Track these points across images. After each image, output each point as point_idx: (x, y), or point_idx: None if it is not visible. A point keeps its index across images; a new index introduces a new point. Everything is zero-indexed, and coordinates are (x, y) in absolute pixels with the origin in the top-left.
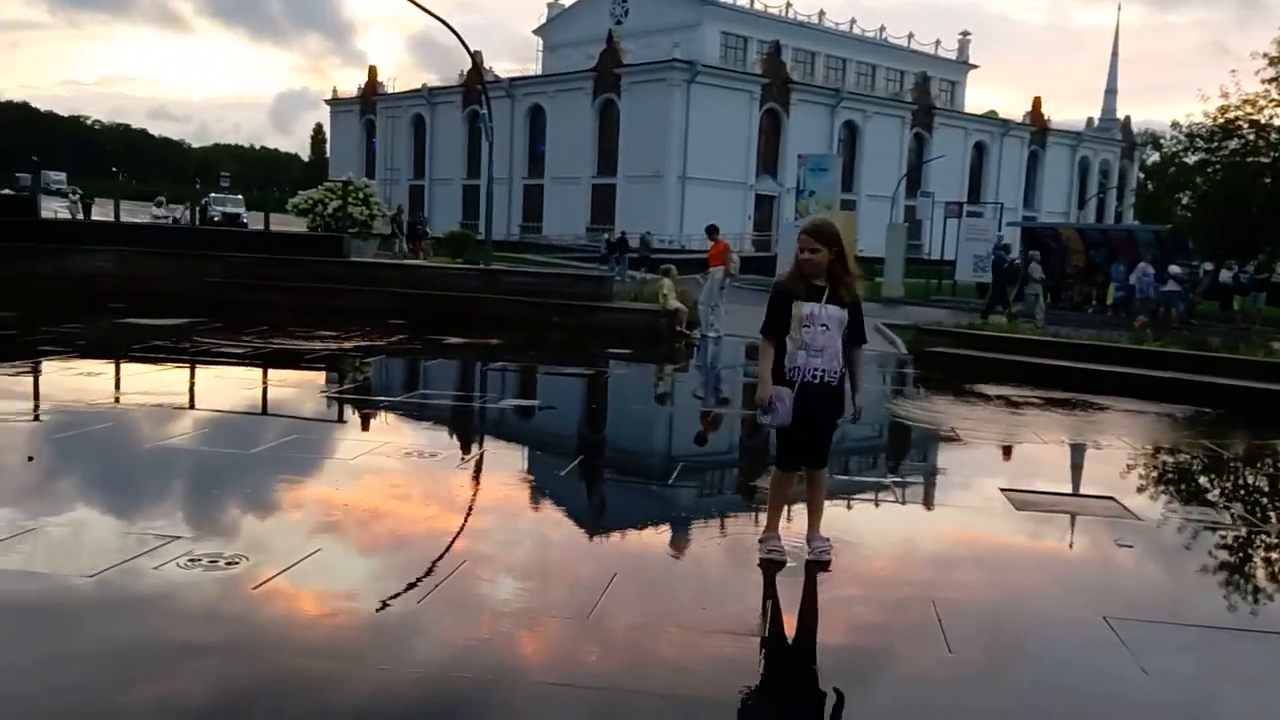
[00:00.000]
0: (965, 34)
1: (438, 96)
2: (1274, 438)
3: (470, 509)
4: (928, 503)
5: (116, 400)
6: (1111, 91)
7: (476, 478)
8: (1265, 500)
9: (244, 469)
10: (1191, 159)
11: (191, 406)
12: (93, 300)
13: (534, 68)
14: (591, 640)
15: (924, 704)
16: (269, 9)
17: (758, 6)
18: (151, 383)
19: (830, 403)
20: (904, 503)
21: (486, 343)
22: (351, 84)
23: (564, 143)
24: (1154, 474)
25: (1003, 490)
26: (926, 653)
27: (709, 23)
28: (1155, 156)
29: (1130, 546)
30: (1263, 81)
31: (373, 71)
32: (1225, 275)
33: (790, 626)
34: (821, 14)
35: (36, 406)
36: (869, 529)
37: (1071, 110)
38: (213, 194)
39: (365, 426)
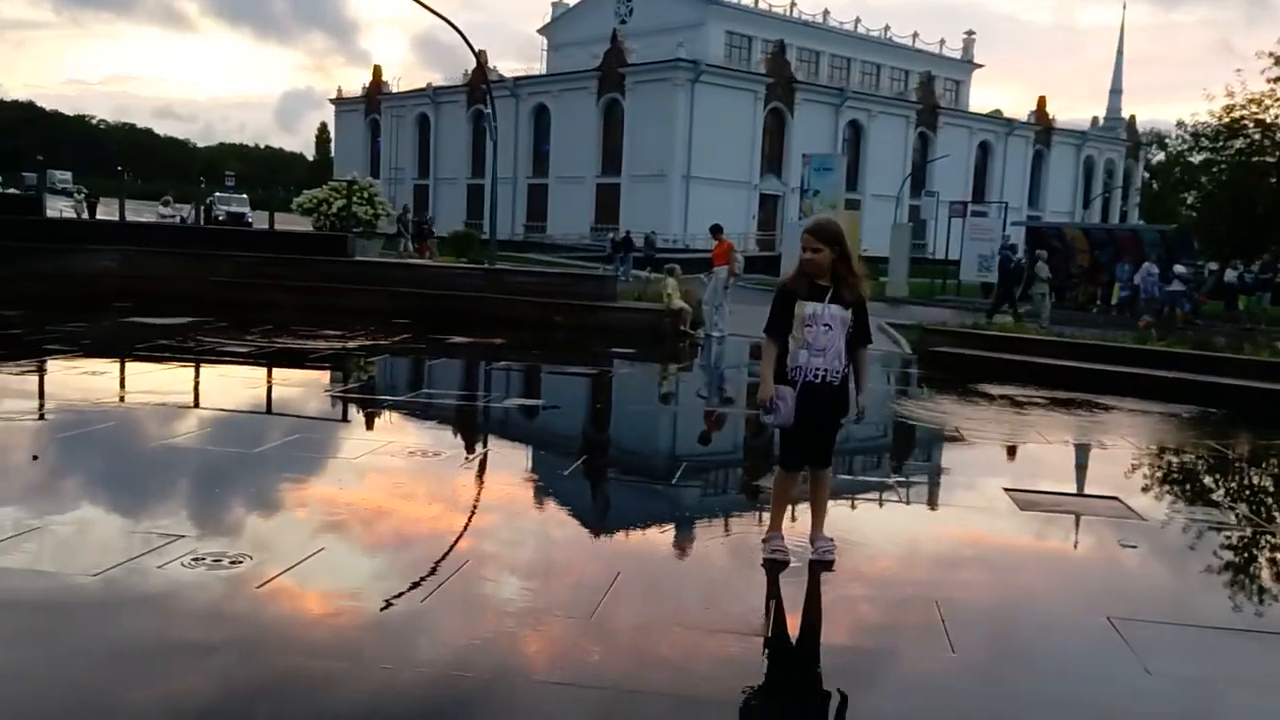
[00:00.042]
0: (970, 33)
1: (442, 96)
2: (1279, 438)
3: (474, 508)
4: (931, 503)
5: (121, 399)
6: (1117, 91)
7: (480, 477)
8: (1270, 500)
9: (248, 468)
10: (1197, 158)
11: (196, 406)
12: (98, 299)
13: (538, 67)
14: (594, 640)
15: (927, 704)
16: (273, 8)
17: (762, 6)
18: (156, 382)
19: (832, 402)
20: (908, 502)
21: (491, 342)
22: (356, 83)
23: (568, 142)
24: (1158, 474)
25: (1007, 490)
26: (930, 653)
27: (713, 22)
28: (1160, 156)
29: (1134, 547)
30: (1269, 81)
31: (377, 71)
32: (1230, 275)
33: (793, 626)
34: (826, 13)
35: (42, 405)
36: (873, 529)
37: (1077, 110)
38: (218, 193)
39: (369, 426)
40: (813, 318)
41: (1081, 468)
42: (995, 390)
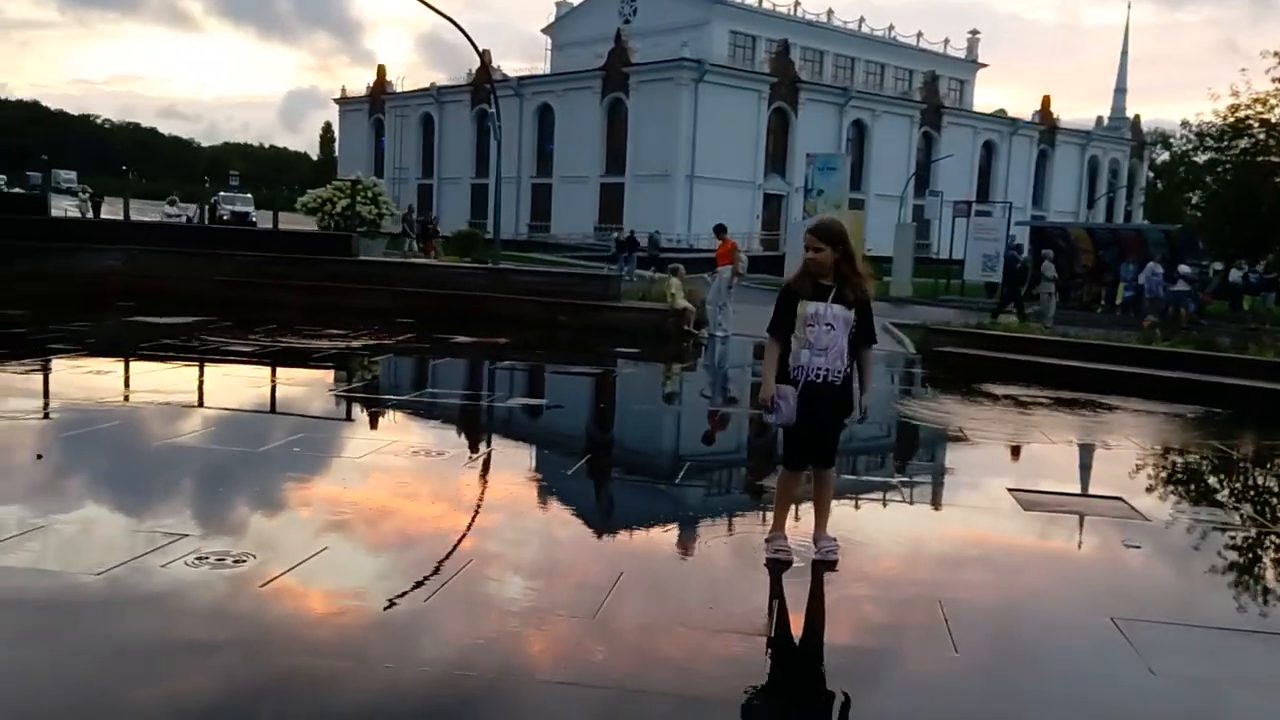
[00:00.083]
0: (974, 33)
1: (446, 95)
2: None
3: (477, 508)
4: (935, 503)
5: (125, 398)
6: (1121, 90)
7: (484, 476)
8: (1275, 501)
9: (252, 467)
10: (1201, 158)
11: (200, 405)
12: (102, 298)
13: (542, 67)
14: (598, 639)
15: (930, 704)
16: (278, 8)
17: (766, 5)
18: (160, 381)
19: (834, 402)
20: (911, 502)
21: (494, 342)
22: (360, 83)
23: (572, 142)
24: (1162, 474)
25: (1010, 490)
26: (933, 653)
27: (717, 22)
28: (1165, 156)
29: (1138, 547)
30: (1274, 80)
31: (381, 70)
32: (1235, 275)
33: (797, 626)
34: (830, 13)
35: (46, 404)
36: (876, 529)
37: (1081, 109)
38: (222, 192)
39: (373, 425)
40: (815, 317)
41: (1085, 468)
42: (999, 390)
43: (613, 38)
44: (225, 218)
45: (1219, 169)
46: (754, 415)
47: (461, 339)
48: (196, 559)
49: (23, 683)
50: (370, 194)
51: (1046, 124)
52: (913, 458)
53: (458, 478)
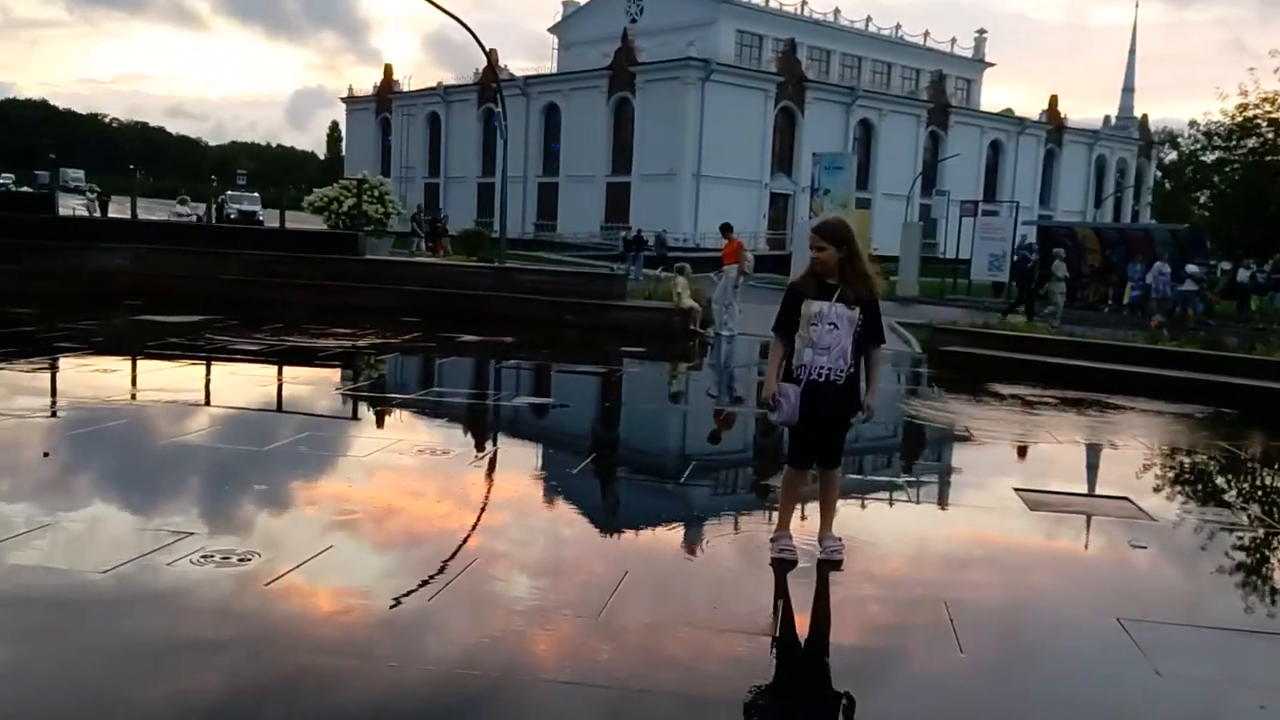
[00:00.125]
0: (981, 32)
1: (453, 95)
2: None
3: (483, 507)
4: (941, 502)
5: (132, 397)
6: (1129, 90)
7: (489, 475)
8: None
9: (258, 466)
10: (1209, 158)
11: (207, 403)
12: (109, 297)
13: (549, 66)
14: (602, 639)
15: (936, 704)
16: (285, 7)
17: (773, 5)
18: (167, 379)
19: (836, 401)
20: (917, 502)
21: (500, 341)
22: (367, 82)
23: (579, 141)
24: (1169, 474)
25: (1017, 490)
26: (938, 653)
27: (724, 21)
28: (1173, 155)
29: (1145, 547)
30: None
31: (388, 70)
32: (1243, 275)
33: (802, 626)
34: (837, 12)
35: (53, 403)
36: (882, 528)
37: (1088, 109)
38: (229, 191)
39: (379, 424)
40: (818, 316)
41: (1092, 468)
42: (1005, 390)
43: (619, 37)
44: (232, 216)
45: (1227, 168)
46: (760, 414)
47: (467, 338)
48: (202, 557)
49: (30, 680)
50: (377, 193)
51: (1054, 123)
52: (918, 457)
53: (463, 476)
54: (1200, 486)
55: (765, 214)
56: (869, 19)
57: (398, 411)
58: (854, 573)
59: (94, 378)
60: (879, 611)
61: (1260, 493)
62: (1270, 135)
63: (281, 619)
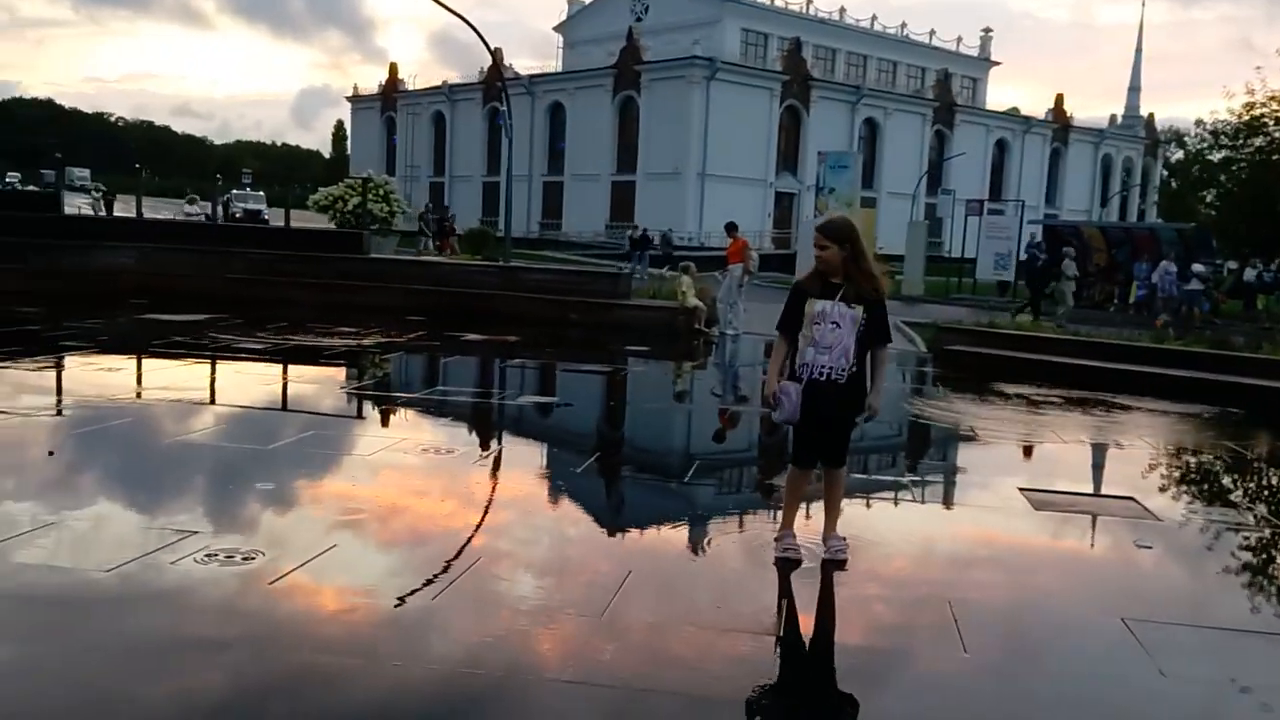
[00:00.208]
0: (987, 30)
1: (458, 93)
2: None
3: (487, 505)
4: (946, 502)
5: (137, 395)
6: (1135, 88)
7: (494, 474)
8: None
9: (262, 464)
10: (1216, 156)
11: (211, 402)
12: (115, 296)
13: (554, 65)
14: (606, 638)
15: (940, 704)
16: (290, 6)
17: (778, 3)
18: (172, 378)
19: (838, 400)
20: (922, 502)
21: (505, 339)
22: (372, 81)
23: (584, 140)
24: (1175, 474)
25: (1022, 490)
26: (943, 653)
27: (729, 19)
28: (1179, 154)
29: (1150, 548)
30: None
31: (393, 68)
32: (1249, 274)
33: (806, 626)
34: (842, 10)
35: (59, 401)
36: (887, 528)
37: (1094, 107)
38: (235, 190)
39: (384, 422)
40: (821, 315)
41: (1097, 467)
42: (1011, 389)
43: (624, 36)
44: (238, 215)
45: (1234, 167)
46: (764, 414)
47: (472, 337)
48: (206, 556)
49: (34, 678)
50: (382, 192)
51: (1060, 122)
52: (923, 457)
53: (467, 475)
54: (1206, 486)
55: (770, 213)
56: (874, 17)
57: (402, 410)
58: (858, 572)
59: (99, 376)
60: (883, 611)
61: (1267, 493)
62: (1277, 134)
63: (285, 618)
